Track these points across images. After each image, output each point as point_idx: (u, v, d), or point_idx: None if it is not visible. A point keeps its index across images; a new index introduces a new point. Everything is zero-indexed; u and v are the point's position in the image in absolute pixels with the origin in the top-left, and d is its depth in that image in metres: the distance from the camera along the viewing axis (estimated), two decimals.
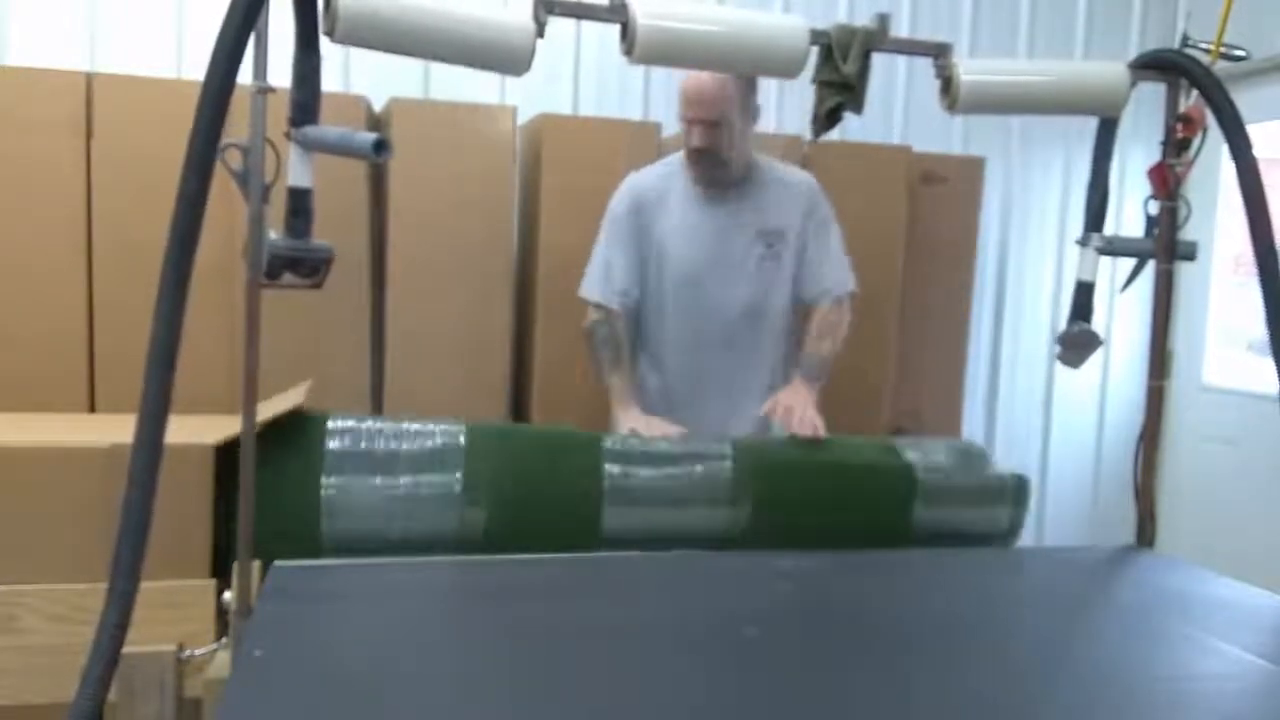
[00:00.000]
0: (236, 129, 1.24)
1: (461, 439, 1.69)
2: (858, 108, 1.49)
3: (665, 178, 2.23)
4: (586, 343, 2.21)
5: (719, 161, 2.14)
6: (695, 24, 1.43)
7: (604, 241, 2.22)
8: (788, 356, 2.30)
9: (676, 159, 2.25)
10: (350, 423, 1.68)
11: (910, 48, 1.70)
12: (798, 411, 1.96)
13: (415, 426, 1.70)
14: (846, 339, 2.24)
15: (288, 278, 1.39)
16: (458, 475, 1.65)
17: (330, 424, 1.67)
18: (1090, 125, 1.78)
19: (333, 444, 1.65)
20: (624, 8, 1.38)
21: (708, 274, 2.19)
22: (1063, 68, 1.85)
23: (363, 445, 1.66)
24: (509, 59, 1.36)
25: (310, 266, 1.41)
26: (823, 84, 1.48)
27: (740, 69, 1.85)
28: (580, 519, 1.71)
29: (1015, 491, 1.91)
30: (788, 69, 1.47)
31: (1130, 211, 3.06)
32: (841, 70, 1.45)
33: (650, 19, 1.38)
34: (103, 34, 2.72)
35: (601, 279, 2.20)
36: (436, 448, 1.67)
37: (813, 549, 1.68)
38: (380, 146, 1.34)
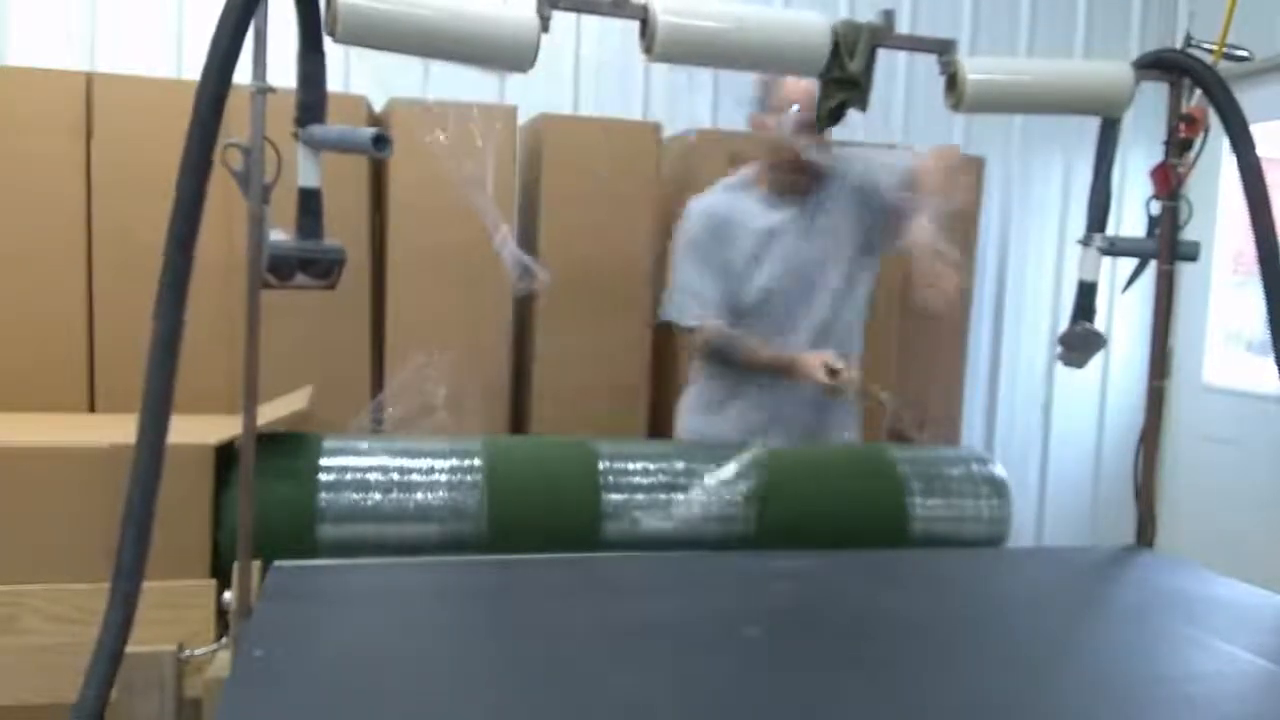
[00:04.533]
0: (238, 129, 1.24)
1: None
2: (863, 105, 1.48)
3: (733, 199, 2.22)
4: (703, 355, 2.21)
5: (820, 144, 2.12)
6: (716, 21, 1.41)
7: (685, 266, 2.19)
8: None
9: (739, 181, 2.24)
10: (346, 460, 1.68)
11: (915, 44, 1.69)
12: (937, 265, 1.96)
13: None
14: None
15: (300, 278, 1.38)
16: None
17: (324, 460, 1.67)
18: (1090, 125, 1.78)
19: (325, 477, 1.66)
20: (643, 5, 1.37)
21: (786, 290, 2.18)
22: (1067, 67, 1.85)
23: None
24: (513, 55, 1.35)
25: (323, 267, 1.40)
26: (829, 81, 1.47)
27: (762, 67, 1.84)
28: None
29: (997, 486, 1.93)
30: (809, 66, 1.45)
31: (1130, 212, 3.06)
32: (848, 67, 1.44)
33: (671, 16, 1.37)
34: (103, 34, 2.72)
35: (693, 302, 2.18)
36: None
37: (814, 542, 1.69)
38: (380, 141, 1.33)
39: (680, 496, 1.76)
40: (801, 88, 2.08)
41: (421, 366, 2.43)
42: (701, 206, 2.23)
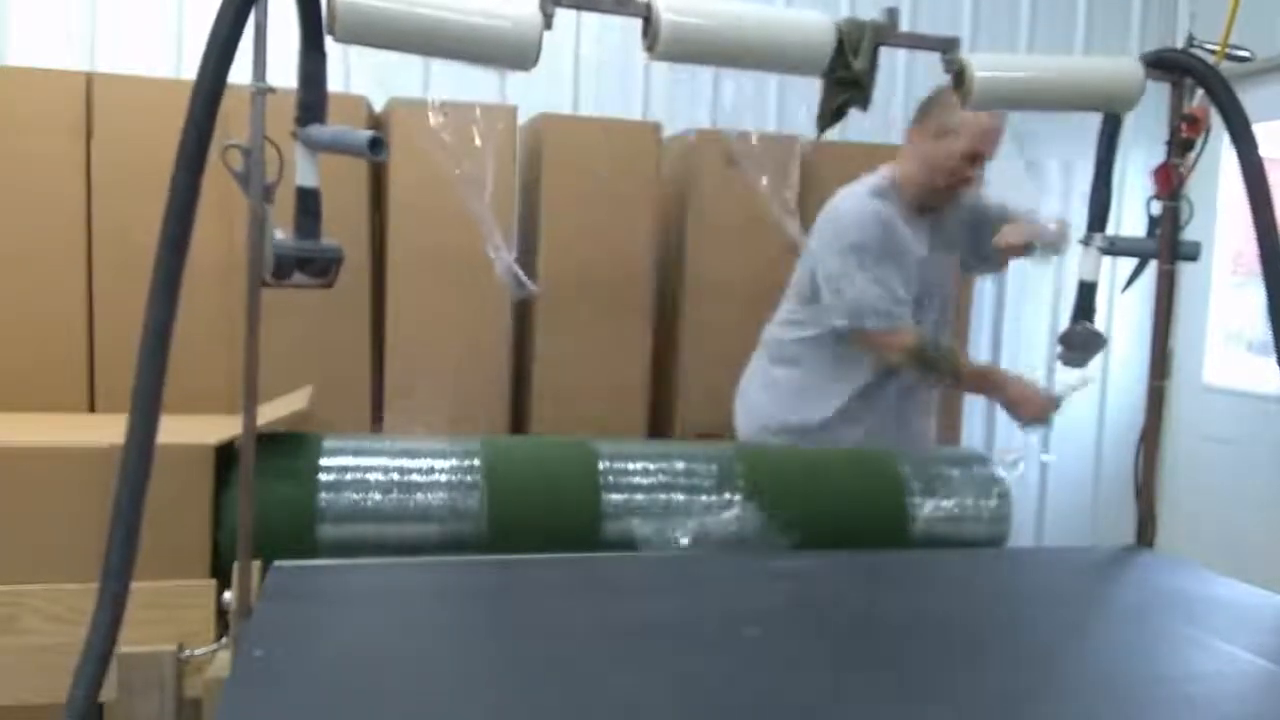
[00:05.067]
0: (239, 129, 1.24)
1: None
2: (865, 104, 1.47)
3: (885, 206, 2.23)
4: (914, 363, 2.21)
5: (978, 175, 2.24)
6: (720, 20, 1.40)
7: (868, 268, 2.17)
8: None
9: (877, 187, 2.25)
10: (346, 460, 1.68)
11: (918, 42, 1.68)
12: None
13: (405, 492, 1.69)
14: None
15: (298, 277, 1.39)
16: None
17: (324, 460, 1.66)
18: (1089, 124, 1.78)
19: (325, 477, 1.65)
20: (646, 3, 1.36)
21: (919, 302, 2.23)
22: (1076, 63, 1.84)
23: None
24: (516, 53, 1.34)
25: (321, 266, 1.40)
26: (832, 80, 1.47)
27: (766, 66, 1.83)
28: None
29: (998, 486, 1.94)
30: (813, 65, 1.44)
31: (1130, 212, 3.06)
32: (852, 66, 1.43)
33: (674, 14, 1.36)
34: (103, 34, 2.72)
35: (889, 301, 2.18)
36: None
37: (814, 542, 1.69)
38: (375, 145, 1.33)
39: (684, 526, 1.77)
40: (980, 122, 2.12)
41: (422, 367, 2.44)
42: (868, 210, 2.21)
